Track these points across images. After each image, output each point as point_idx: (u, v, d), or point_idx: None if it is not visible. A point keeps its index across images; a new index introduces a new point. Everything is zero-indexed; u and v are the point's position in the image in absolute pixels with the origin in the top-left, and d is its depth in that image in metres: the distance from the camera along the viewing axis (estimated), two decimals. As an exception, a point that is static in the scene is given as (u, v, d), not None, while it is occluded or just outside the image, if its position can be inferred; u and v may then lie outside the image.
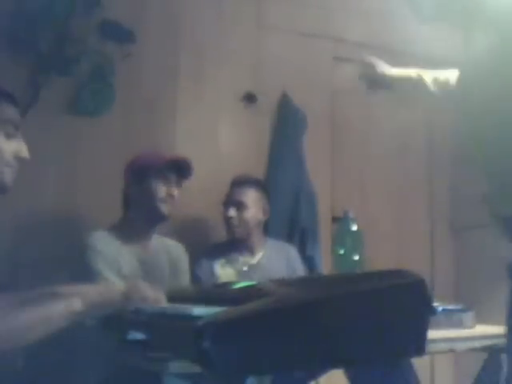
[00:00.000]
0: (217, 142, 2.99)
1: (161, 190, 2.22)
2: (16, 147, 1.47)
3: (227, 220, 2.60)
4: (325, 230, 3.09)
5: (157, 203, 2.22)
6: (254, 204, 2.61)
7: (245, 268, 2.44)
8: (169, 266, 2.32)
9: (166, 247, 2.34)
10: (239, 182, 2.64)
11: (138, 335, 1.42)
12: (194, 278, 2.46)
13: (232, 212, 2.58)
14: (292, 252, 2.73)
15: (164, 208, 2.23)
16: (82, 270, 2.09)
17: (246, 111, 3.06)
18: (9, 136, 1.46)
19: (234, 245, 2.61)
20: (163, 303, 1.43)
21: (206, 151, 2.95)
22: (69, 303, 1.35)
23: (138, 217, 2.25)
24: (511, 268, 1.35)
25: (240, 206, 2.58)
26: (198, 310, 1.14)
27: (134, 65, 2.78)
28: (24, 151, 1.50)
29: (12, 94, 1.52)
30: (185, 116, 2.93)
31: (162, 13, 2.92)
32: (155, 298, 1.43)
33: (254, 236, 2.63)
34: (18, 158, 1.49)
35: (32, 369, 2.18)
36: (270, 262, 2.61)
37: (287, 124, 3.09)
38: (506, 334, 1.35)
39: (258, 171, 2.93)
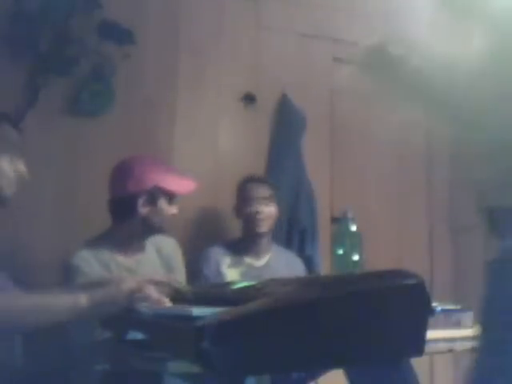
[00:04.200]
0: (216, 142, 3.00)
1: (153, 213, 2.18)
2: (17, 169, 1.62)
3: (253, 215, 2.58)
4: (324, 231, 3.09)
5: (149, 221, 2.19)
6: (274, 200, 2.63)
7: (252, 270, 2.45)
8: (161, 265, 2.29)
9: (157, 245, 2.31)
10: (256, 179, 2.66)
11: (138, 335, 1.43)
12: (201, 276, 2.47)
13: (260, 206, 2.58)
14: (298, 263, 2.72)
15: (157, 222, 2.21)
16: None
17: (246, 111, 3.06)
18: (12, 159, 1.61)
19: (241, 245, 2.62)
20: (165, 304, 1.43)
21: (205, 151, 2.95)
22: (75, 297, 1.36)
23: (127, 228, 2.20)
24: (488, 267, 1.34)
25: (266, 201, 2.59)
26: (198, 310, 1.14)
27: (134, 65, 2.78)
28: (24, 173, 1.64)
29: (11, 116, 1.70)
30: (184, 116, 2.93)
31: (162, 13, 2.92)
32: (158, 299, 1.44)
33: (267, 236, 2.64)
34: (19, 178, 1.63)
35: (31, 368, 2.18)
36: (276, 266, 2.61)
37: (287, 124, 3.09)
38: (479, 334, 1.35)
39: (258, 171, 2.93)
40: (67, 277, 2.09)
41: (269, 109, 3.10)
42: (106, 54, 2.66)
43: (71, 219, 2.61)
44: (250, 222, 2.60)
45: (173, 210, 2.23)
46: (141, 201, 2.16)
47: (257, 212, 2.57)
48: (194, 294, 1.56)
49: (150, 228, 2.21)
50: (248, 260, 2.58)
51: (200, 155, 2.93)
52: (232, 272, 2.42)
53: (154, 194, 2.17)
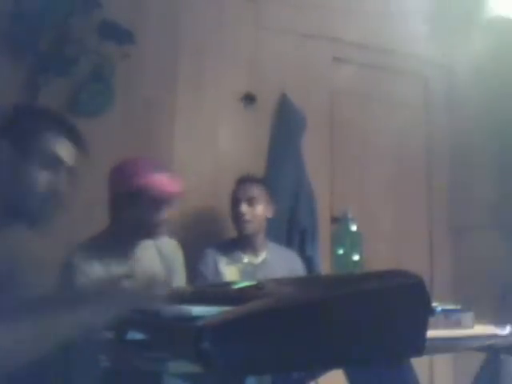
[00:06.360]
0: (216, 142, 3.00)
1: (153, 216, 2.17)
2: (55, 188, 1.45)
3: (239, 217, 2.60)
4: (324, 231, 3.09)
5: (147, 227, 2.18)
6: (263, 200, 2.63)
7: (250, 267, 2.45)
8: (161, 266, 2.29)
9: (158, 246, 2.31)
10: (246, 180, 2.66)
11: (138, 335, 1.42)
12: (199, 275, 2.47)
13: (245, 208, 2.59)
14: (296, 260, 2.73)
15: (150, 225, 2.19)
16: (67, 288, 2.06)
17: (246, 111, 3.06)
18: (46, 167, 1.43)
19: (238, 244, 2.63)
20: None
21: (205, 151, 2.95)
22: (77, 314, 1.32)
23: (122, 227, 2.20)
24: None
25: (252, 202, 2.60)
26: (198, 310, 1.14)
27: (134, 65, 2.78)
28: (60, 194, 1.46)
29: (75, 129, 1.49)
30: (184, 116, 2.93)
31: (162, 13, 2.92)
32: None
33: (260, 234, 2.64)
34: (53, 191, 1.45)
35: (31, 368, 2.18)
36: (273, 263, 2.61)
37: (287, 124, 3.09)
38: None
39: (258, 171, 2.93)
40: (66, 275, 2.08)
41: (269, 109, 3.10)
42: (105, 54, 2.66)
43: (71, 219, 2.61)
44: (236, 223, 2.63)
45: (163, 215, 2.19)
46: (130, 202, 2.16)
47: (241, 214, 2.59)
48: (194, 293, 1.56)
49: (142, 230, 2.19)
50: (246, 258, 2.59)
51: (200, 155, 2.93)
52: (231, 270, 2.42)
53: (142, 197, 2.15)
